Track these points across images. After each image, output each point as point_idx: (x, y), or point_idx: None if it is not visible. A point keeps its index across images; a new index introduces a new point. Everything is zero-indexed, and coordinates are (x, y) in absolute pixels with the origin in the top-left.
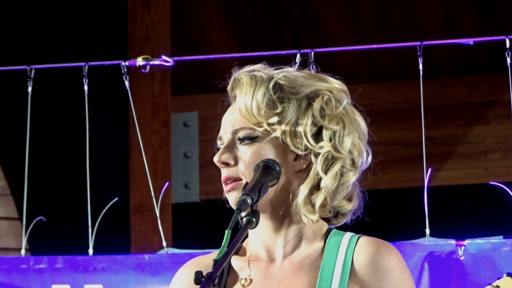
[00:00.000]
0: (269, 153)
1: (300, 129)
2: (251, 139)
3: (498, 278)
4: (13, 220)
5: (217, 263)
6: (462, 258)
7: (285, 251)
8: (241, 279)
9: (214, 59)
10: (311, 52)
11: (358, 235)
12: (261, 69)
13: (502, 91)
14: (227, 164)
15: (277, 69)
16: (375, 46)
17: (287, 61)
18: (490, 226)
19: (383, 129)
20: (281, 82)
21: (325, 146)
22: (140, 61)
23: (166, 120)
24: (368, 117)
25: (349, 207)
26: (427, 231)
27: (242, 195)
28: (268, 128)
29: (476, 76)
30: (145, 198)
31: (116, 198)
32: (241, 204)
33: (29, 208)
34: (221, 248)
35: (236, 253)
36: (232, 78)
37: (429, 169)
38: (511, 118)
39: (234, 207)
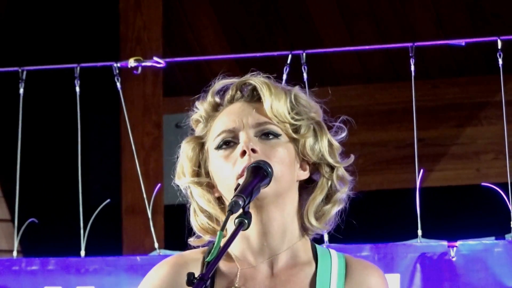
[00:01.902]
0: (285, 154)
1: (319, 142)
2: (276, 136)
3: None
4: (5, 222)
5: (209, 264)
6: (454, 259)
7: (277, 261)
8: (231, 287)
9: (206, 60)
10: (303, 53)
11: (343, 255)
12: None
13: (494, 92)
14: (254, 151)
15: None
16: (367, 47)
17: (279, 62)
18: (482, 227)
19: (375, 130)
20: (299, 95)
21: (349, 160)
22: (132, 63)
23: (158, 122)
24: (360, 118)
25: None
26: (419, 232)
27: (233, 197)
28: (291, 132)
29: (468, 77)
30: (137, 200)
31: (108, 200)
32: (233, 205)
33: (21, 210)
34: (213, 249)
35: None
36: (239, 80)
37: (421, 170)
38: (503, 119)
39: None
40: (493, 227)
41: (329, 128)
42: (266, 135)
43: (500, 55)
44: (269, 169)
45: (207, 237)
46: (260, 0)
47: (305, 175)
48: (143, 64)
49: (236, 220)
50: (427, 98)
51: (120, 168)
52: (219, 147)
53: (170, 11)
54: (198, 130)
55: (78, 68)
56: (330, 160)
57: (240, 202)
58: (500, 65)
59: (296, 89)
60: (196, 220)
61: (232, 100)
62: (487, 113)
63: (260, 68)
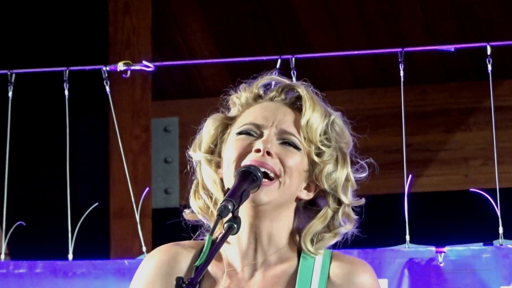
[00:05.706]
0: (299, 166)
1: (337, 172)
2: (297, 148)
3: None
4: None
5: (198, 269)
6: (442, 265)
7: (262, 265)
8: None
9: (195, 64)
10: (292, 58)
11: (329, 250)
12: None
13: (483, 98)
14: (269, 154)
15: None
16: (356, 52)
17: (268, 66)
18: (470, 233)
19: (363, 135)
20: (337, 122)
21: (359, 201)
22: (120, 66)
23: (146, 125)
24: (348, 123)
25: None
26: (407, 237)
27: (223, 201)
28: (313, 154)
29: (457, 82)
30: (125, 203)
31: (96, 203)
32: (222, 210)
33: (8, 212)
34: (202, 253)
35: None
36: (287, 83)
37: (410, 176)
38: (491, 124)
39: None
40: (481, 233)
41: (353, 163)
42: (287, 143)
43: (489, 61)
44: (259, 174)
45: (201, 217)
46: (249, 5)
47: (307, 196)
48: (132, 67)
49: (226, 225)
50: (416, 104)
51: (108, 172)
52: (240, 133)
53: (159, 15)
54: (231, 112)
55: (67, 72)
56: (341, 194)
57: (230, 207)
58: (489, 71)
59: (337, 115)
60: (196, 199)
61: (273, 99)
62: (476, 118)
63: (249, 72)
